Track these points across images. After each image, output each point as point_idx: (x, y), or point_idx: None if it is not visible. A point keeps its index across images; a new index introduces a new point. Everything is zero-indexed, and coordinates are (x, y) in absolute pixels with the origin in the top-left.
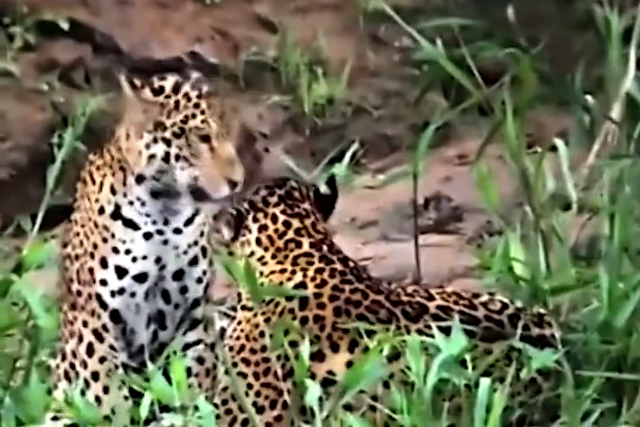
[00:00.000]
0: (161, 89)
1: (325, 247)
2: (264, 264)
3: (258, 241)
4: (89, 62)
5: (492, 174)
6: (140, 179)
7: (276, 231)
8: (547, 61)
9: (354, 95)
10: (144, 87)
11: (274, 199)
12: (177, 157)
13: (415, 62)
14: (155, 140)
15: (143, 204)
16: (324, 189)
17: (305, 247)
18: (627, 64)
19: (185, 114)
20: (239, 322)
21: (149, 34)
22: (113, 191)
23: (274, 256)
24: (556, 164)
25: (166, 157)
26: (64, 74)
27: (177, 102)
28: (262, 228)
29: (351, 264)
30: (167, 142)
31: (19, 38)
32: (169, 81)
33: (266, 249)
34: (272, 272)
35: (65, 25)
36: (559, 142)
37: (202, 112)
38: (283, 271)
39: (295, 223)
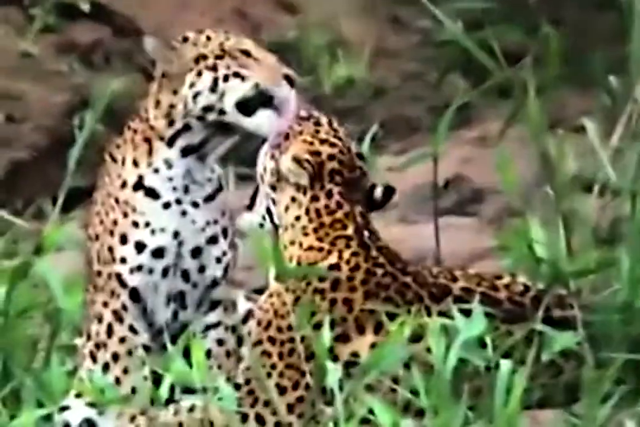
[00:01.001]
0: (186, 38)
1: (366, 233)
2: (306, 235)
3: (307, 210)
4: (109, 43)
5: (513, 155)
6: (172, 139)
7: (327, 206)
8: (568, 42)
9: (374, 76)
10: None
11: (337, 169)
12: (226, 78)
13: (436, 43)
14: (199, 74)
15: (170, 166)
16: (378, 194)
17: (349, 231)
18: None
19: (219, 40)
20: (271, 295)
21: (170, 16)
22: (135, 164)
23: (315, 230)
24: (577, 145)
25: (214, 85)
26: (84, 55)
27: (208, 36)
28: (314, 199)
29: (385, 249)
30: (213, 68)
31: (39, 20)
32: (189, 33)
33: (310, 221)
34: (310, 248)
35: (85, 7)
36: (587, 121)
37: (235, 36)
38: (320, 249)
39: (346, 207)
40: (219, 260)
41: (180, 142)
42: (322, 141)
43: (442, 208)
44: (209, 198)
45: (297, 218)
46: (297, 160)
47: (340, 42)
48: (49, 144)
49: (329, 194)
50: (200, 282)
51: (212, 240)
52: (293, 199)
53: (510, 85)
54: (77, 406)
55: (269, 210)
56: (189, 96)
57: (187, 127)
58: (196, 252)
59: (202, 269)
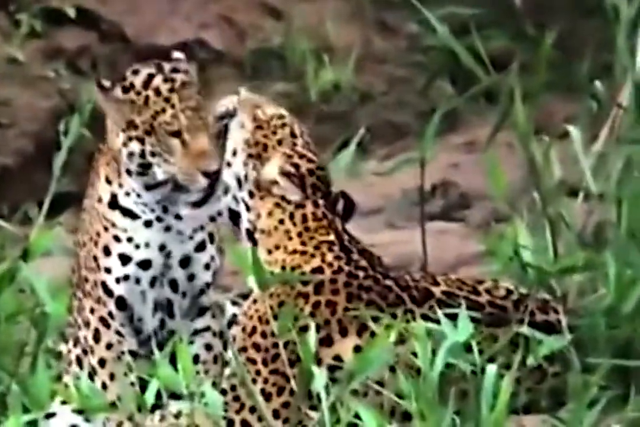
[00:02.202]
0: (131, 86)
1: (346, 237)
2: (290, 239)
3: (291, 215)
4: (95, 49)
5: (499, 160)
6: (129, 172)
7: (314, 213)
8: (555, 48)
9: (361, 81)
10: (115, 86)
11: (319, 191)
12: (153, 154)
13: (423, 48)
14: (130, 139)
15: (139, 195)
16: (339, 208)
17: (332, 236)
18: (635, 51)
19: (155, 109)
20: (254, 301)
21: (155, 22)
22: (108, 181)
23: (299, 234)
24: (563, 150)
25: (142, 154)
26: (70, 61)
27: (146, 98)
28: (300, 207)
29: (367, 254)
30: (141, 141)
31: (25, 25)
32: (141, 75)
33: (294, 225)
34: (294, 251)
35: (71, 12)
36: (571, 129)
37: (172, 106)
38: (304, 252)
39: (330, 216)
40: (207, 266)
41: (138, 180)
42: (301, 156)
43: (429, 213)
44: (195, 205)
45: (281, 221)
46: (284, 173)
47: (327, 48)
48: (35, 149)
49: (316, 204)
50: (189, 291)
51: (200, 247)
52: (277, 205)
53: (497, 90)
54: (63, 413)
55: (234, 214)
56: (123, 152)
57: (131, 173)
58: (185, 262)
59: (191, 278)
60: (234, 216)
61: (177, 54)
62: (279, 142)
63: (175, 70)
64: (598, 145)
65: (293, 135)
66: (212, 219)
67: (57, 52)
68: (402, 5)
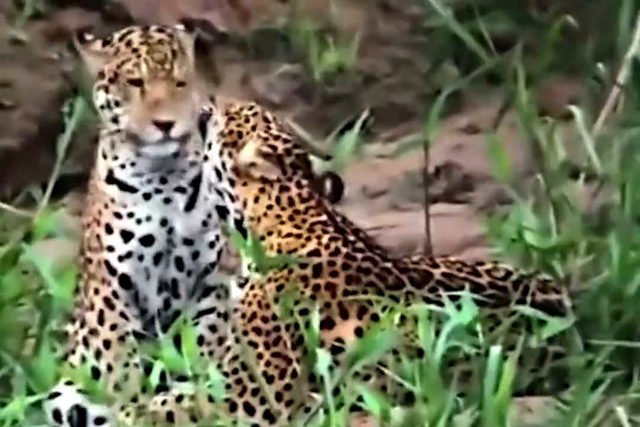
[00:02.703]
0: (110, 40)
1: (339, 218)
2: (282, 223)
3: (277, 200)
4: (98, 30)
5: (503, 142)
6: (117, 140)
7: (299, 195)
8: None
9: (365, 63)
10: (96, 40)
11: (300, 171)
12: (117, 103)
13: (426, 30)
14: (98, 89)
15: (132, 164)
16: (328, 188)
17: (323, 217)
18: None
19: (122, 59)
20: (252, 287)
21: (159, 2)
22: (104, 156)
23: (291, 218)
24: (566, 132)
25: (108, 105)
26: (73, 42)
27: (117, 49)
28: (284, 189)
29: (362, 234)
30: (106, 89)
31: (28, 6)
32: (123, 31)
33: (283, 209)
34: (289, 235)
35: None
36: (575, 110)
37: (138, 56)
38: (299, 236)
39: (316, 196)
40: (212, 244)
41: (127, 143)
42: (276, 137)
43: (433, 195)
44: (195, 181)
45: (270, 207)
46: (261, 154)
47: (330, 29)
48: (39, 131)
49: (299, 185)
50: (194, 269)
51: (204, 224)
52: (262, 190)
53: (500, 72)
54: (68, 393)
55: (222, 210)
56: (97, 106)
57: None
58: (189, 239)
59: (195, 256)
60: (222, 212)
61: (178, 26)
62: (253, 128)
63: (159, 30)
64: (598, 126)
65: (266, 120)
66: (205, 223)
67: (60, 34)
68: None
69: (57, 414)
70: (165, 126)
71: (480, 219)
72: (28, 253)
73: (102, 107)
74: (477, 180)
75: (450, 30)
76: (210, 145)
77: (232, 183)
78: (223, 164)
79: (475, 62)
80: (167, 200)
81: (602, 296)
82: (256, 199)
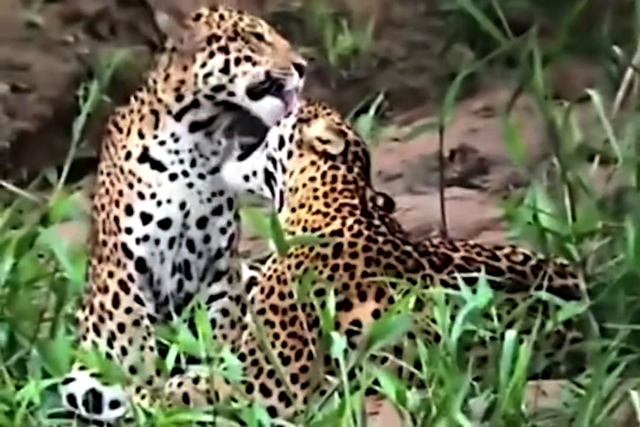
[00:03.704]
0: (199, 15)
1: (370, 204)
2: (316, 198)
3: (323, 174)
4: (114, 13)
5: (518, 125)
6: (180, 114)
7: (344, 176)
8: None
9: (379, 47)
10: (184, 16)
11: (358, 162)
12: (238, 61)
13: (441, 13)
14: (211, 55)
15: (177, 140)
16: (380, 202)
17: (355, 201)
18: None
19: (234, 20)
20: (274, 261)
21: None
22: (141, 135)
23: (325, 194)
24: (582, 115)
25: (225, 67)
26: (89, 25)
27: (221, 15)
28: (334, 168)
29: (387, 219)
30: (225, 50)
31: None
32: (203, 9)
33: (324, 184)
34: (317, 212)
35: None
36: (592, 93)
37: (248, 16)
38: (326, 214)
39: (361, 183)
40: (223, 230)
41: (188, 118)
42: (348, 127)
43: (448, 179)
44: (215, 170)
45: (312, 179)
46: (332, 129)
47: (345, 13)
48: (54, 114)
49: (350, 169)
50: (204, 252)
51: (217, 211)
52: (312, 163)
53: (516, 54)
54: (82, 378)
55: (270, 178)
56: (200, 75)
57: (195, 104)
58: (202, 223)
59: (207, 239)
60: (268, 177)
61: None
62: (329, 114)
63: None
64: (614, 109)
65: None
66: (247, 178)
67: (76, 17)
68: None
69: (72, 399)
70: (300, 70)
71: (495, 202)
72: (44, 236)
73: (208, 75)
74: (492, 163)
75: (466, 12)
76: (289, 114)
77: (289, 155)
78: (291, 136)
79: (491, 44)
80: (190, 185)
81: (617, 280)
82: (302, 170)
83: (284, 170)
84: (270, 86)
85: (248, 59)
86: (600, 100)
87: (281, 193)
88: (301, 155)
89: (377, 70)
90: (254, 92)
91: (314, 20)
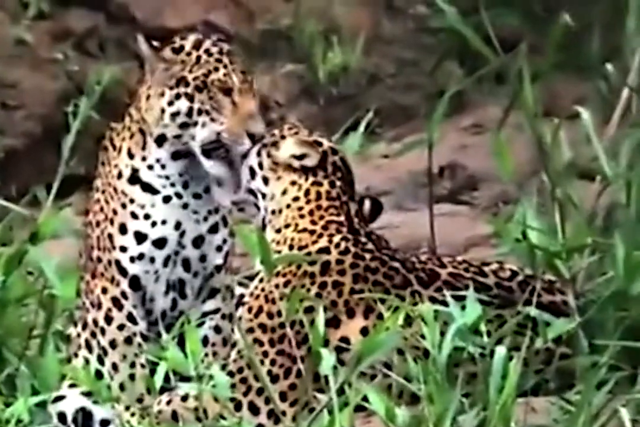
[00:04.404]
0: (181, 48)
1: (356, 220)
2: (302, 216)
3: (307, 192)
4: (103, 31)
5: (508, 142)
6: (161, 140)
7: (328, 192)
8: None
9: (369, 63)
10: (164, 47)
11: (339, 173)
12: (200, 112)
13: (431, 30)
14: (177, 97)
15: (163, 166)
16: (367, 207)
17: (342, 217)
18: None
19: (208, 68)
20: (261, 280)
21: (164, 3)
22: (130, 155)
23: (311, 212)
24: (572, 132)
25: (189, 113)
26: (78, 42)
27: (198, 58)
28: (317, 184)
29: (374, 236)
30: (190, 97)
31: (33, 6)
32: (190, 39)
33: (308, 202)
34: (304, 230)
35: None
36: (581, 110)
37: (225, 66)
38: (313, 232)
39: (344, 198)
40: (219, 248)
41: (168, 147)
42: (321, 136)
43: (437, 195)
44: (209, 189)
45: (295, 199)
46: (303, 142)
47: (335, 30)
48: (43, 131)
49: (332, 184)
50: (201, 271)
51: (213, 229)
52: (293, 183)
53: (505, 71)
54: (72, 396)
55: (255, 205)
56: (167, 112)
57: (164, 138)
58: (198, 242)
59: (203, 258)
60: (256, 206)
61: (214, 36)
62: (296, 133)
63: (220, 39)
64: (611, 128)
65: (309, 132)
66: (214, 227)
67: (65, 34)
68: None
69: (62, 417)
70: (254, 138)
71: (484, 219)
72: (33, 253)
73: (175, 114)
74: (482, 180)
75: (455, 29)
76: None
77: (265, 181)
78: (260, 164)
79: (481, 62)
80: (185, 206)
81: (606, 297)
82: (284, 192)
83: (263, 196)
84: (218, 147)
85: (208, 113)
86: (589, 117)
87: (263, 219)
88: (279, 178)
89: (366, 87)
90: (206, 151)
91: (304, 37)
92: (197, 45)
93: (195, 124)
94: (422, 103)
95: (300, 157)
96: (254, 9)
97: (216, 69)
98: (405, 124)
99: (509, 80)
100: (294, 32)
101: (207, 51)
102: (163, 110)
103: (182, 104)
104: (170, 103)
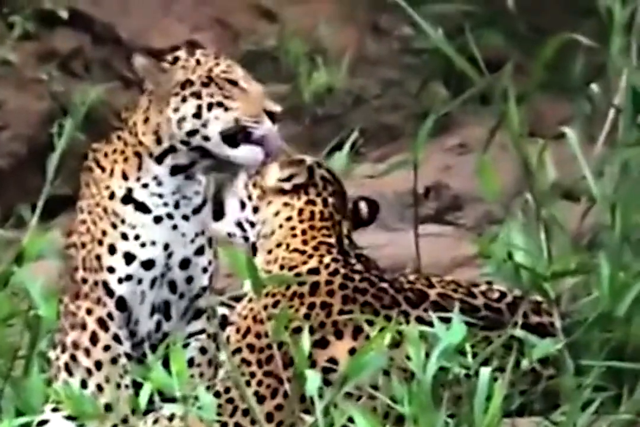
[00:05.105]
0: (177, 58)
1: (347, 241)
2: (294, 236)
3: (300, 211)
4: (88, 51)
5: (493, 162)
6: (161, 157)
7: (321, 213)
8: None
9: (354, 84)
10: (160, 60)
11: (330, 187)
12: (210, 106)
13: (416, 51)
14: (184, 99)
15: (159, 183)
16: (364, 209)
17: (332, 239)
18: (629, 54)
19: (209, 65)
20: (250, 300)
21: (149, 24)
22: (125, 177)
23: (303, 232)
24: (557, 153)
25: (198, 112)
26: (63, 63)
27: (197, 60)
28: (310, 203)
29: (363, 258)
30: (197, 95)
31: (18, 27)
32: (181, 51)
33: (301, 222)
34: (295, 250)
35: (64, 14)
36: (567, 130)
37: (225, 61)
38: (303, 252)
39: (337, 217)
40: (205, 270)
41: (169, 161)
42: (302, 155)
43: (422, 216)
44: (197, 210)
45: (288, 219)
46: (287, 163)
47: (320, 50)
48: (28, 152)
49: (325, 202)
50: (186, 292)
51: (200, 251)
52: (285, 204)
53: (490, 91)
54: (56, 420)
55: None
56: (173, 120)
57: (173, 149)
58: (185, 264)
59: (189, 280)
60: (245, 240)
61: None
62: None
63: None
64: (597, 148)
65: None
66: (201, 249)
67: (50, 55)
68: (395, 7)
69: None
70: (273, 117)
71: (470, 239)
72: (18, 275)
73: (182, 120)
74: (467, 200)
75: (440, 50)
76: (271, 158)
77: (255, 210)
78: (249, 196)
79: (466, 82)
80: (174, 227)
81: (592, 318)
82: (277, 213)
83: (252, 225)
84: (239, 133)
85: (220, 104)
86: (575, 137)
87: (253, 245)
88: (269, 202)
89: (351, 108)
90: (230, 139)
91: (289, 58)
92: (191, 53)
93: (205, 122)
94: (407, 123)
95: (289, 179)
96: (239, 29)
97: (217, 64)
98: (390, 144)
99: (494, 100)
100: (279, 52)
101: (203, 54)
102: (169, 120)
103: (190, 105)
104: (176, 109)
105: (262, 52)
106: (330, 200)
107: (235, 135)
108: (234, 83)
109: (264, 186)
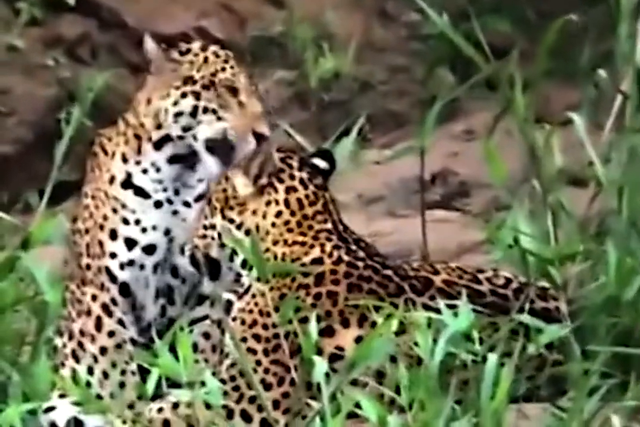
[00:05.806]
0: (188, 50)
1: (341, 227)
2: (290, 230)
3: (287, 203)
4: (95, 37)
5: (499, 148)
6: (160, 143)
7: (307, 196)
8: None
9: (361, 70)
10: (171, 48)
11: (295, 163)
12: (205, 110)
13: (423, 37)
14: (184, 95)
15: (158, 170)
16: (323, 164)
17: (329, 225)
18: (636, 39)
19: (215, 68)
20: (254, 296)
21: (155, 9)
22: (124, 159)
23: (299, 224)
24: (564, 139)
25: (194, 112)
26: (69, 49)
27: (206, 58)
28: (291, 189)
29: (362, 243)
30: (196, 95)
31: (25, 13)
32: (196, 44)
33: (293, 214)
34: (295, 243)
35: (71, 0)
36: (574, 116)
37: (232, 68)
38: (304, 243)
39: (321, 195)
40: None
41: (167, 150)
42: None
43: (429, 202)
44: (199, 198)
45: (278, 214)
46: (244, 168)
47: (327, 36)
48: (35, 138)
49: (303, 183)
50: (189, 277)
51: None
52: (268, 203)
53: (497, 78)
54: (63, 406)
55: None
56: (170, 112)
57: (170, 138)
58: (185, 249)
59: None
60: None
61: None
62: (226, 177)
63: (223, 47)
64: (604, 134)
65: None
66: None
67: (56, 40)
68: None
69: None
70: (259, 138)
71: (476, 225)
72: (25, 260)
73: (179, 114)
74: (474, 186)
75: (447, 36)
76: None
77: (239, 227)
78: (231, 220)
79: (472, 68)
80: (175, 212)
81: (599, 303)
82: (264, 216)
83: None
84: (223, 144)
85: (214, 111)
86: (582, 123)
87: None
88: (254, 211)
89: (358, 94)
90: (209, 146)
91: (296, 44)
92: (204, 48)
93: (199, 123)
94: (413, 109)
95: (258, 177)
96: (245, 15)
97: (223, 69)
98: (397, 130)
99: (501, 86)
100: (286, 38)
101: (214, 53)
102: (166, 111)
103: (187, 103)
104: (175, 103)
105: (268, 38)
106: (305, 176)
107: (216, 144)
108: (235, 92)
109: (239, 200)
